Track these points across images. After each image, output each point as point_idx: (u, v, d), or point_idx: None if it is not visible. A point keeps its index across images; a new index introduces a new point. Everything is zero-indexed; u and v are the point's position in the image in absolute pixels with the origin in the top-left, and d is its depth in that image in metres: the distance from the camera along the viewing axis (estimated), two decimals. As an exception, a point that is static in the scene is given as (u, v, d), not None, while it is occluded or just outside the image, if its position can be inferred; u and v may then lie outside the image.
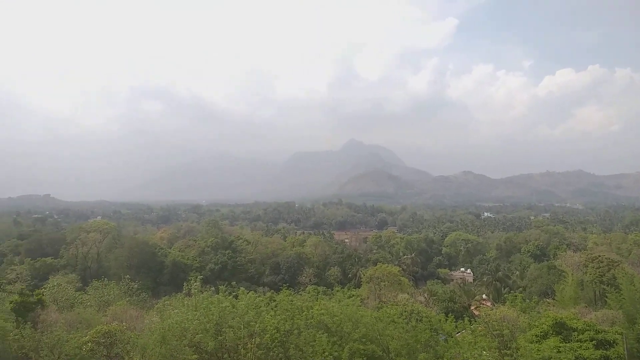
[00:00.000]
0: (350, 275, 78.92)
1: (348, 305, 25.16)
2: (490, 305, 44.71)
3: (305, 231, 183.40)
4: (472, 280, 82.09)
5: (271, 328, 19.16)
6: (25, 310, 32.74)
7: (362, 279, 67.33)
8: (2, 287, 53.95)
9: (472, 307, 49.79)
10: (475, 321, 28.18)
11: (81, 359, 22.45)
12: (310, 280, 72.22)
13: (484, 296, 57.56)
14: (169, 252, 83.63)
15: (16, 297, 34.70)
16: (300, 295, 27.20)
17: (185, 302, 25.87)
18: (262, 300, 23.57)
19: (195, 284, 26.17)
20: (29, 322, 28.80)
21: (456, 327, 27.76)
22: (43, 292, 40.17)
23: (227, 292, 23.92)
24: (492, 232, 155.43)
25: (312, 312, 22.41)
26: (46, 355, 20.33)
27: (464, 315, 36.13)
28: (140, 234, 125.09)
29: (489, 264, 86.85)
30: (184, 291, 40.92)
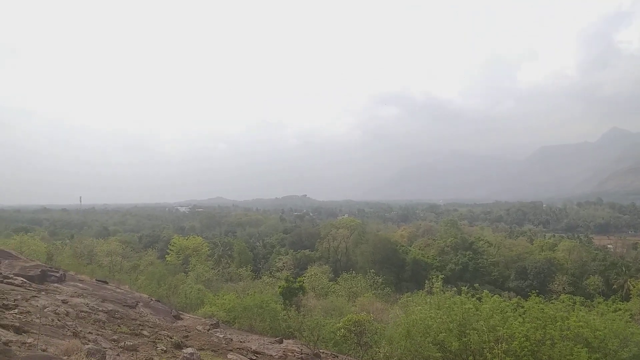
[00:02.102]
0: (615, 286, 67.94)
1: (614, 320, 21.67)
2: None
3: (555, 234, 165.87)
4: None
5: (520, 335, 17.83)
6: (290, 295, 37.80)
7: (631, 291, 57.91)
8: (272, 273, 63.75)
9: None
10: None
11: (335, 343, 24.75)
12: (563, 289, 64.72)
13: None
14: (410, 250, 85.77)
15: (283, 282, 40.38)
16: (552, 304, 24.50)
17: (428, 299, 26.09)
18: (508, 306, 22.11)
19: (437, 282, 26.28)
20: (293, 305, 33.19)
21: None
22: (303, 280, 45.77)
23: (469, 294, 23.27)
24: None
25: (567, 323, 20.02)
26: (307, 336, 22.98)
27: None
28: (382, 231, 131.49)
29: None
30: (425, 289, 41.41)
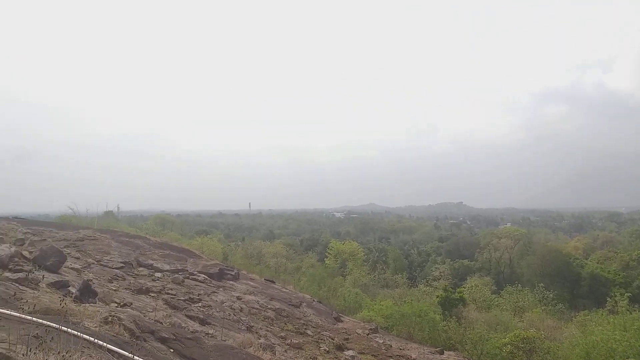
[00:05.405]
0: None
1: None
2: None
3: None
4: None
5: None
6: (449, 305, 36.48)
7: None
8: (428, 282, 62.32)
9: None
10: None
11: (501, 359, 23.15)
12: None
13: None
14: (586, 264, 76.74)
15: (442, 292, 39.16)
16: None
17: (611, 319, 23.13)
18: None
19: (622, 301, 23.13)
20: (453, 317, 31.96)
21: None
22: (463, 290, 43.84)
23: (664, 316, 20.01)
24: None
25: None
26: (470, 349, 21.96)
27: None
28: (551, 242, 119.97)
29: None
30: (606, 307, 36.75)
